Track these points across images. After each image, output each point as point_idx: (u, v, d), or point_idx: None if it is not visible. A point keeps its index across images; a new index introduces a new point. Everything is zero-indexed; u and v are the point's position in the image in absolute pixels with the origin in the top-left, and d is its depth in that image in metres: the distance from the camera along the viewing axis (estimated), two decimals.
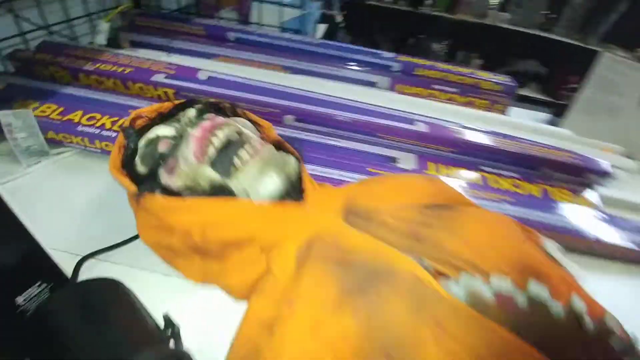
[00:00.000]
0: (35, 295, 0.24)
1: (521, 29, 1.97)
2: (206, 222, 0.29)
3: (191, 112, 0.34)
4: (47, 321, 0.23)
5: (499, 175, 0.51)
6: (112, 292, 0.24)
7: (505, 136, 0.56)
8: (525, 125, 0.67)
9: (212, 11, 0.95)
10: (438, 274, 0.25)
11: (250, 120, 0.37)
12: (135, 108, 0.38)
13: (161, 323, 0.24)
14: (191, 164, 0.30)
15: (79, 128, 0.45)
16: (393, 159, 0.51)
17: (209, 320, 0.30)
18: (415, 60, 0.82)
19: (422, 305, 0.22)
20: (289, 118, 0.54)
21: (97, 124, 0.45)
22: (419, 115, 0.57)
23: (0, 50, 0.59)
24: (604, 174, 0.54)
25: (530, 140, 0.57)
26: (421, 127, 0.53)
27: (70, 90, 0.52)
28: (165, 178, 0.30)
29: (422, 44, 2.29)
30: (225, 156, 0.30)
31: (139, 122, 0.34)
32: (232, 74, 0.59)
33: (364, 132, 0.54)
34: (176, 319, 0.24)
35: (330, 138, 0.53)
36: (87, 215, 0.39)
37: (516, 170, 0.53)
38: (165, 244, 0.31)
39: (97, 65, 0.54)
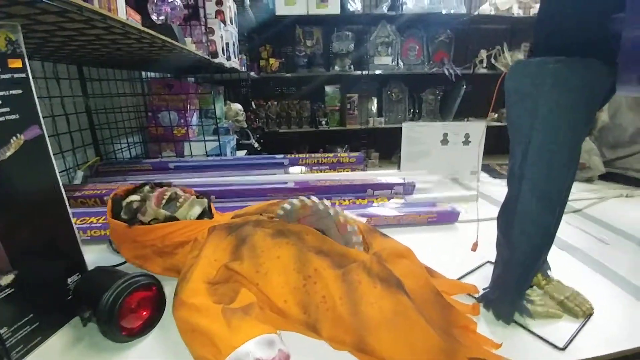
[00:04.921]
0: (76, 280, 0.49)
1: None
2: (165, 234, 0.57)
3: (147, 188, 0.64)
4: (90, 278, 0.48)
5: (342, 199, 0.86)
6: (113, 270, 0.51)
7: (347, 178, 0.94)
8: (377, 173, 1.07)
9: (156, 154, 1.33)
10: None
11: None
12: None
13: None
14: (153, 208, 0.59)
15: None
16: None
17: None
18: (299, 155, 1.24)
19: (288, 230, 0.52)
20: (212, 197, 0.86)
21: (87, 222, 0.73)
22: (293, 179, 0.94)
23: None
24: (411, 187, 0.92)
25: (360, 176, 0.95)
26: (291, 185, 0.89)
27: None
28: (140, 217, 0.59)
29: (329, 151, 2.93)
30: (171, 203, 0.61)
31: (119, 194, 0.63)
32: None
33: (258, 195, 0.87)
34: None
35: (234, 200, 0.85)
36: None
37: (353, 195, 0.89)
38: (140, 255, 0.57)
39: (82, 192, 0.84)
